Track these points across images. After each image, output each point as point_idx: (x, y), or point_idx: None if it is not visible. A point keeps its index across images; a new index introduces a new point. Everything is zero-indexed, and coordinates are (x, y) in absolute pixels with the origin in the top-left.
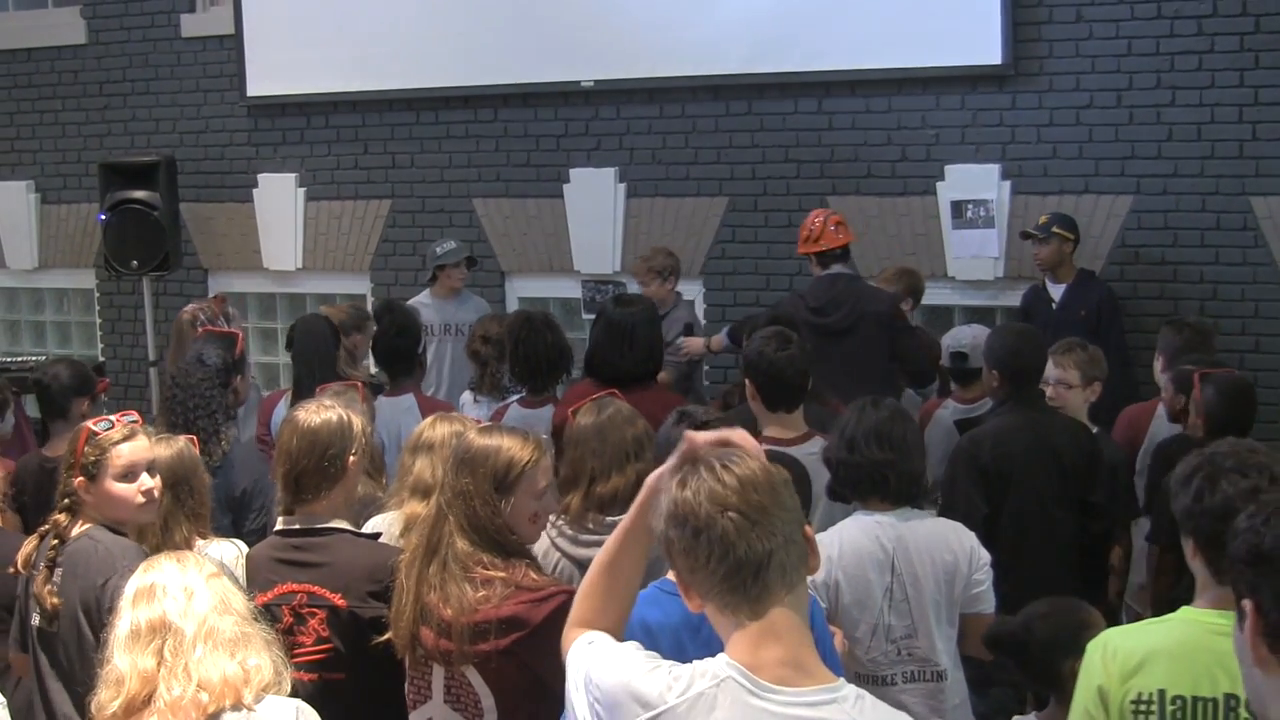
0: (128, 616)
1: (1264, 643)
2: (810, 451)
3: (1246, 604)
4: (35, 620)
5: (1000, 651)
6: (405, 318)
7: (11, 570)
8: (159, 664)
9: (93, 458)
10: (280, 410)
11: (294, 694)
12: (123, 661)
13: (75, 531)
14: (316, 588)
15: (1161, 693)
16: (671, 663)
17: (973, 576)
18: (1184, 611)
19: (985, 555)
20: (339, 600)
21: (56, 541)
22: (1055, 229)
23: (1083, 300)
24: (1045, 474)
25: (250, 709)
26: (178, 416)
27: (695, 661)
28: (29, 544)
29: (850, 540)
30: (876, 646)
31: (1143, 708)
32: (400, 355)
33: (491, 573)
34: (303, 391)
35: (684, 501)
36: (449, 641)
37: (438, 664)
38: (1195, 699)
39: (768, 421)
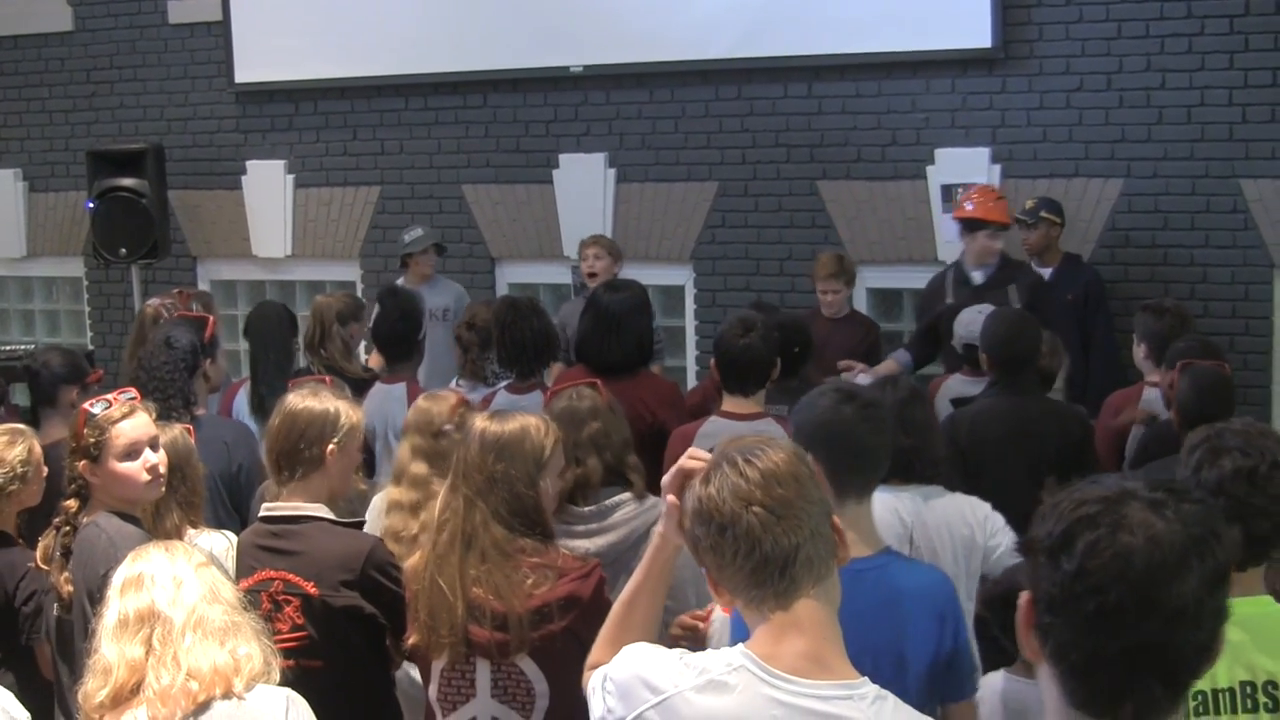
0: (115, 606)
1: (1036, 635)
2: (756, 429)
3: (1023, 596)
4: (55, 610)
5: (995, 610)
6: (409, 303)
7: (33, 565)
8: (147, 653)
9: (93, 439)
10: (240, 399)
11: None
12: (110, 651)
13: (85, 518)
14: (292, 575)
15: None
16: (684, 651)
17: (988, 544)
18: None
19: (998, 518)
20: (311, 588)
21: (69, 529)
22: (1043, 214)
23: (1070, 284)
24: (1024, 460)
25: (241, 697)
26: None
27: (711, 650)
28: (47, 536)
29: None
30: None
31: None
32: (402, 340)
33: (535, 559)
34: (258, 376)
35: (708, 499)
36: (504, 633)
37: (485, 659)
38: (1214, 691)
39: (727, 397)
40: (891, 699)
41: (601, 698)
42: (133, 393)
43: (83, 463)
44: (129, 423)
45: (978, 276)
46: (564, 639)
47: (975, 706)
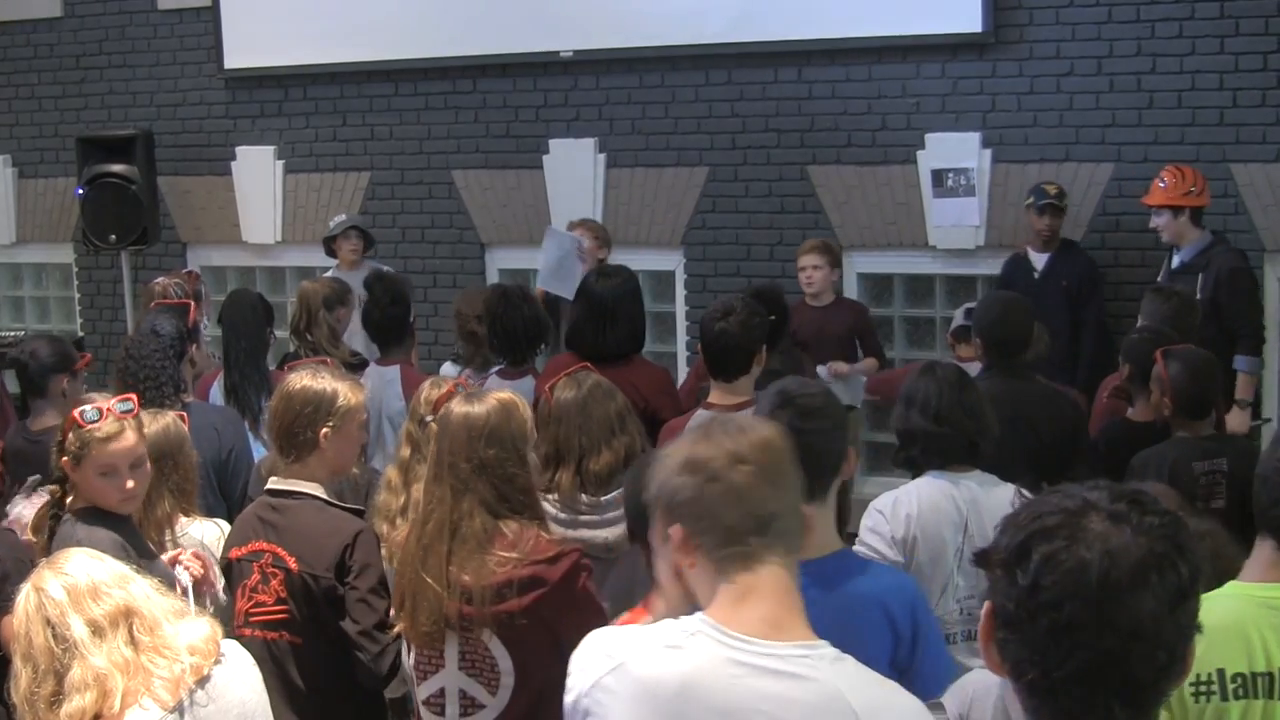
0: (75, 619)
1: (994, 648)
2: None
3: (985, 607)
4: None
5: None
6: (397, 287)
7: (27, 536)
8: (137, 649)
9: (76, 446)
10: (215, 388)
11: (257, 653)
12: (97, 660)
13: (71, 506)
14: (280, 549)
15: (1220, 672)
16: (645, 625)
17: None
18: (1230, 586)
19: None
20: (294, 565)
21: (55, 513)
22: (1064, 201)
23: (1065, 271)
24: (1018, 444)
25: (225, 656)
26: (128, 388)
27: (669, 619)
28: (40, 510)
29: (928, 499)
30: (943, 606)
31: (1203, 688)
32: (393, 325)
33: (507, 554)
34: (229, 364)
35: (701, 452)
36: (470, 607)
37: (454, 632)
38: (1254, 675)
39: (714, 387)
40: (851, 660)
41: (569, 685)
42: (131, 403)
43: (65, 459)
44: (111, 445)
45: (1176, 259)
46: (526, 618)
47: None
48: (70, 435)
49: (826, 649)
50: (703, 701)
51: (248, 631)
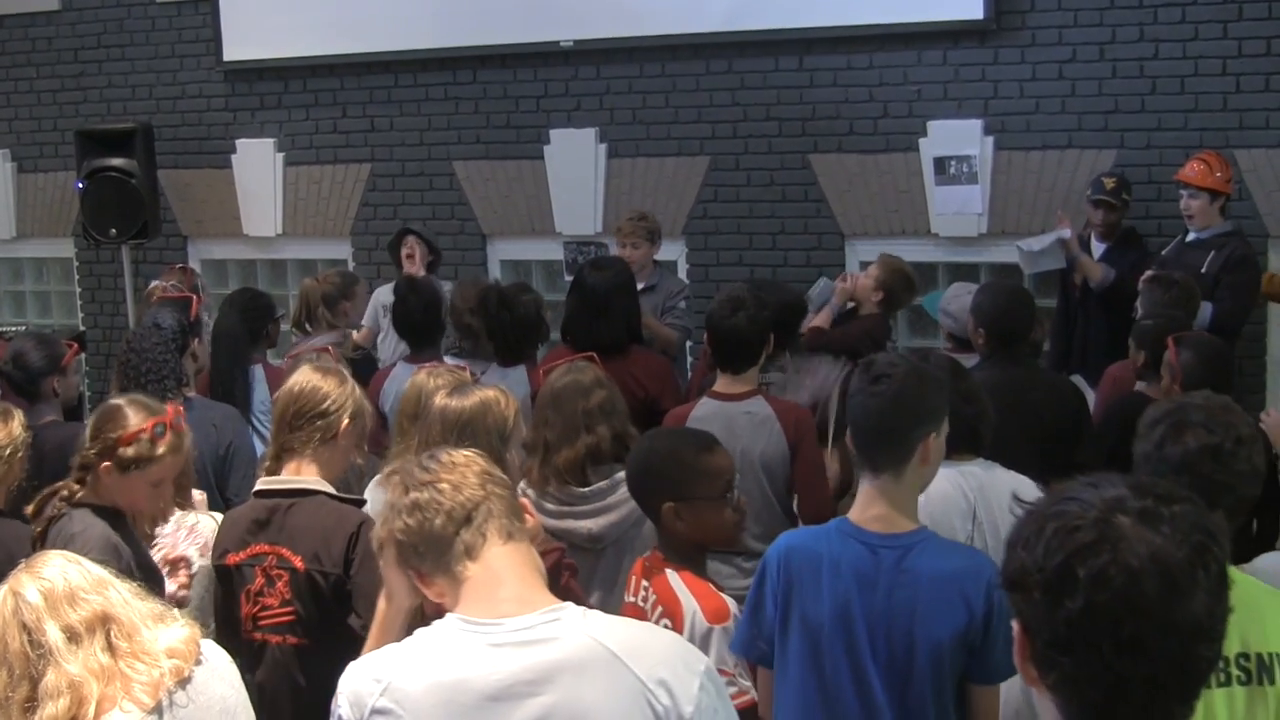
0: (51, 625)
1: (1032, 667)
2: (747, 410)
3: (1015, 625)
4: None
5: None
6: (429, 293)
7: (28, 510)
8: (114, 655)
9: (132, 454)
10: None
11: (268, 657)
12: (72, 667)
13: (75, 501)
14: (284, 549)
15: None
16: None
17: None
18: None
19: None
20: (299, 563)
21: (61, 504)
22: (1125, 195)
23: (1118, 265)
24: (1022, 434)
25: (205, 657)
26: (129, 381)
27: (422, 629)
28: (40, 497)
29: (936, 489)
30: None
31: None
32: (424, 329)
33: None
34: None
35: (391, 493)
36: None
37: None
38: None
39: (720, 377)
40: (596, 613)
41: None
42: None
43: (105, 465)
44: (172, 458)
45: (1192, 234)
46: None
47: (998, 692)
48: (131, 448)
49: (572, 608)
50: (475, 692)
51: (257, 636)
